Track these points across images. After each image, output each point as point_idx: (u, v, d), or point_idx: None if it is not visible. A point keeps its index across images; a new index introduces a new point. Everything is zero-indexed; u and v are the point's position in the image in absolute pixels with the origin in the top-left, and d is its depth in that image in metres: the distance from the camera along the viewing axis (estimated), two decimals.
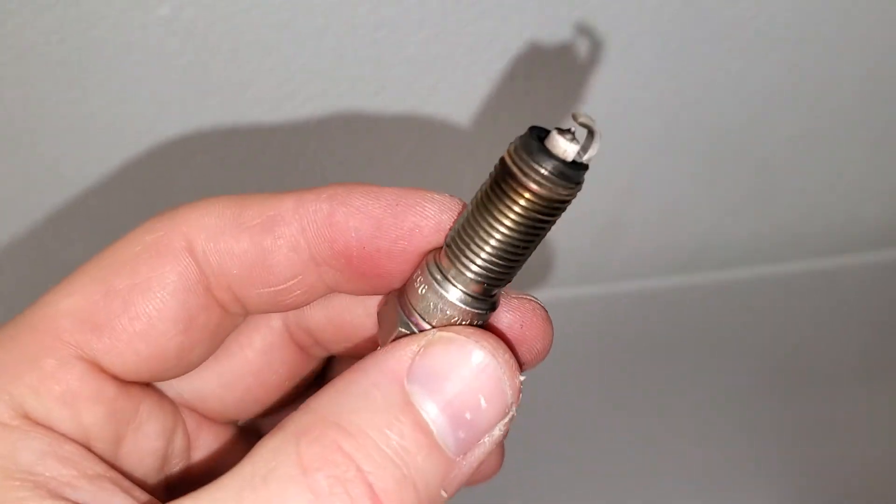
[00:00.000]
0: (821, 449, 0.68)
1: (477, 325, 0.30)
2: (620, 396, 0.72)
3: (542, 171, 0.27)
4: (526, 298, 0.33)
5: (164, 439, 0.33)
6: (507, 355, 0.28)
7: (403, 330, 0.30)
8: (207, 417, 0.36)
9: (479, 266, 0.29)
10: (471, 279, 0.29)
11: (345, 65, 0.56)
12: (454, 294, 0.29)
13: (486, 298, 0.30)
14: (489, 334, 0.29)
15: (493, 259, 0.28)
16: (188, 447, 0.35)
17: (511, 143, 0.28)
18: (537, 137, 0.27)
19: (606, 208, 0.71)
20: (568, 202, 0.28)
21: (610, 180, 0.68)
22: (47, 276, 0.54)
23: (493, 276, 0.29)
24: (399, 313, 0.30)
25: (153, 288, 0.30)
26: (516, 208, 0.27)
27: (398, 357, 0.28)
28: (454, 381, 0.27)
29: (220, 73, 0.55)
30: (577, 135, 0.27)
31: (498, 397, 0.28)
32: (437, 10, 0.55)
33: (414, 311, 0.30)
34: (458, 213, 0.30)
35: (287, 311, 0.34)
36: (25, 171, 0.58)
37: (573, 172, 0.27)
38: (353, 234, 0.30)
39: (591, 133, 0.27)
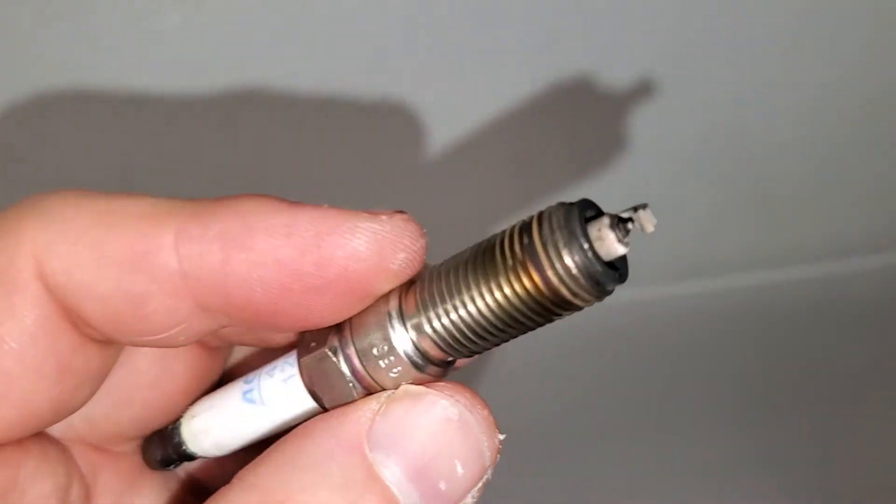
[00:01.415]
0: (823, 454, 0.68)
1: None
2: (618, 408, 0.72)
3: (572, 267, 0.21)
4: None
5: (57, 500, 0.26)
6: (486, 411, 0.23)
7: (329, 354, 0.24)
8: (103, 449, 0.29)
9: (441, 325, 0.23)
10: (427, 335, 0.23)
11: (347, 74, 0.57)
12: (402, 343, 0.23)
13: (436, 363, 0.24)
14: (463, 386, 0.24)
15: (460, 327, 0.23)
16: (87, 496, 0.28)
17: (547, 209, 0.22)
18: (582, 218, 0.22)
19: None
20: (579, 309, 0.22)
21: (608, 189, 0.69)
22: None
23: (451, 343, 0.23)
24: (329, 339, 0.25)
25: (4, 336, 0.23)
26: (517, 287, 0.22)
27: (355, 419, 0.22)
28: (427, 446, 0.22)
29: (226, 80, 0.55)
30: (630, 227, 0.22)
31: (476, 461, 0.23)
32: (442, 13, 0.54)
33: (350, 343, 0.24)
34: (414, 238, 0.23)
35: (176, 347, 0.26)
36: (27, 185, 0.57)
37: (608, 279, 0.22)
38: (259, 289, 0.23)
39: (627, 231, 0.21)
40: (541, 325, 0.23)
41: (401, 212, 0.23)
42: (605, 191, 0.68)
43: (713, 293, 0.75)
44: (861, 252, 0.76)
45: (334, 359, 0.24)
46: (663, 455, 0.69)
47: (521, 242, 0.22)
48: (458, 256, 0.24)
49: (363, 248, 0.22)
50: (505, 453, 0.27)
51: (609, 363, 0.73)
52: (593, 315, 0.73)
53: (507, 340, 0.24)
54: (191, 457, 0.27)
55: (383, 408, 0.22)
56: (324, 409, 0.25)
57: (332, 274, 0.22)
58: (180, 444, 0.27)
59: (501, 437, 0.23)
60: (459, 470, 0.22)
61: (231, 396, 0.25)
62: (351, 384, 0.24)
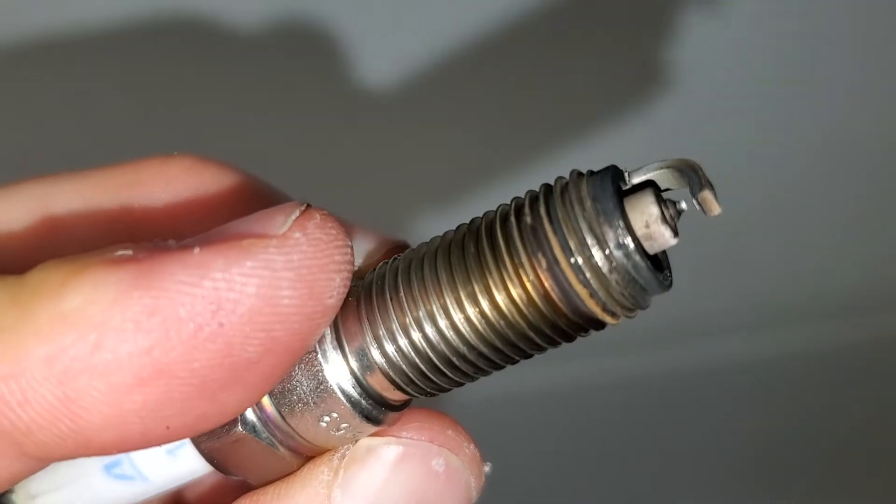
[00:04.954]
0: None
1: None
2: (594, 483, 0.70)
3: (603, 265, 0.15)
4: None
5: None
6: (473, 445, 0.18)
7: (238, 430, 0.18)
8: None
9: (395, 349, 0.16)
10: (377, 365, 0.16)
11: None
12: (337, 373, 0.16)
13: (393, 406, 0.18)
14: (442, 418, 0.18)
15: (423, 351, 0.16)
16: None
17: (565, 179, 0.16)
18: (618, 192, 0.15)
19: None
20: (601, 327, 0.16)
21: None
22: None
23: (409, 375, 0.17)
24: None
25: None
26: (516, 293, 0.15)
27: (306, 498, 0.17)
28: None
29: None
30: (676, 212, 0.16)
31: None
32: None
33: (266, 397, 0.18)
34: (341, 244, 0.15)
35: None
36: None
37: (654, 283, 0.15)
38: (136, 420, 0.15)
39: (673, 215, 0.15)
40: (541, 350, 0.16)
41: (304, 208, 0.15)
42: None
43: (685, 359, 0.74)
44: (839, 316, 0.76)
45: (241, 430, 0.17)
46: None
47: (520, 227, 0.15)
48: (422, 249, 0.17)
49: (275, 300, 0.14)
50: None
51: (581, 437, 0.71)
52: (566, 387, 0.72)
53: (487, 373, 0.17)
54: None
55: (341, 476, 0.17)
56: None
57: (242, 362, 0.15)
58: None
59: (487, 469, 0.19)
60: None
61: (87, 473, 0.18)
62: (279, 454, 0.17)
